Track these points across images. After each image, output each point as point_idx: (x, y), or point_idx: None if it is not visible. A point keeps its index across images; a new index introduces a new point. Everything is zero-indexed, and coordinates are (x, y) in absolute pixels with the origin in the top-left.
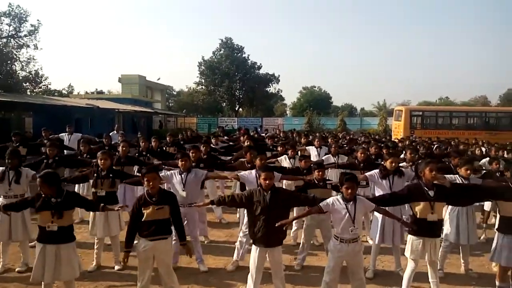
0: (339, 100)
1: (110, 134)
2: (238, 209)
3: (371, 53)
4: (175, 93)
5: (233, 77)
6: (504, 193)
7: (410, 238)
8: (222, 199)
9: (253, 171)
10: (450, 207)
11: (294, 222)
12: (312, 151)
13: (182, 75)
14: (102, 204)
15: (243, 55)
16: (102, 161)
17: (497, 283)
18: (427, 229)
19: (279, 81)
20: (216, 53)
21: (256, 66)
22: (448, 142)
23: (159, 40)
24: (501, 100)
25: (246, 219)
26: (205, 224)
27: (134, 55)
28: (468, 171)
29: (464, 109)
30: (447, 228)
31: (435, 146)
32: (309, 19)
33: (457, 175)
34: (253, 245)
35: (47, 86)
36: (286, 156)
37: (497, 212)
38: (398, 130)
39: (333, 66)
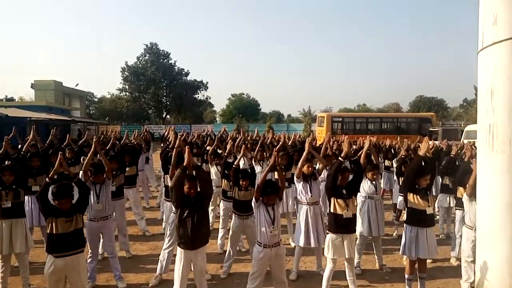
0: (267, 107)
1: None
2: (163, 220)
3: (299, 62)
4: (96, 99)
5: (160, 84)
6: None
7: (329, 237)
8: None
9: None
10: (360, 204)
11: (220, 228)
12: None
13: (104, 81)
14: None
15: (170, 61)
16: (6, 177)
17: (406, 276)
18: (344, 225)
19: (207, 88)
20: (140, 58)
21: (183, 72)
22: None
23: (79, 44)
24: (411, 107)
25: (169, 230)
26: (126, 238)
27: (50, 60)
28: (374, 176)
29: (378, 115)
30: (360, 224)
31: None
32: (238, 27)
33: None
34: (178, 254)
35: None
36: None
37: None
38: (321, 135)
39: (262, 74)
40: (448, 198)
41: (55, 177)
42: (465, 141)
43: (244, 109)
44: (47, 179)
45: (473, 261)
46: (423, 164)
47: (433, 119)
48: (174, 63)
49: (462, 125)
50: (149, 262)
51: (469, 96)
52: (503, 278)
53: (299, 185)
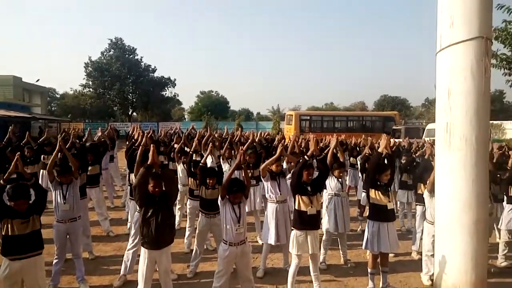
0: (236, 105)
1: None
2: (128, 220)
3: (268, 60)
4: (58, 96)
5: (125, 80)
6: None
7: (293, 234)
8: None
9: None
10: (326, 201)
11: (187, 227)
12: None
13: (67, 77)
14: None
15: (136, 57)
16: None
17: (369, 270)
18: (308, 221)
19: (175, 85)
20: (105, 54)
21: (150, 69)
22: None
23: (39, 39)
24: (376, 105)
25: (134, 230)
26: (89, 238)
27: (9, 55)
28: (340, 174)
29: (345, 113)
30: (326, 221)
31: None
32: (207, 26)
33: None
34: (142, 254)
35: None
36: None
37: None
38: (289, 133)
39: (231, 72)
40: (406, 194)
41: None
42: (426, 139)
43: (213, 107)
44: (1, 181)
45: (433, 255)
46: (384, 160)
47: (396, 117)
48: (141, 59)
49: (424, 123)
50: (113, 263)
51: (431, 95)
52: (459, 271)
53: (267, 184)
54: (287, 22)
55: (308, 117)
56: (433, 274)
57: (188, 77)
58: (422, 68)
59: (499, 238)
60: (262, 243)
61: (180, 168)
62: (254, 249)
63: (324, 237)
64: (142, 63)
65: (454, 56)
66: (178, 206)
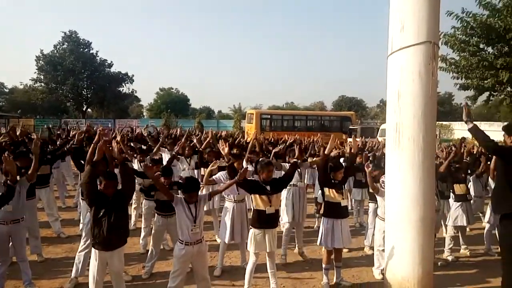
0: (197, 103)
1: None
2: (80, 221)
3: (230, 59)
4: (7, 90)
5: (79, 75)
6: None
7: (252, 232)
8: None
9: None
10: (285, 194)
11: (143, 228)
12: (165, 155)
13: (16, 70)
14: None
15: (91, 51)
16: None
17: (323, 265)
18: (267, 220)
19: (133, 80)
20: (58, 47)
21: (106, 64)
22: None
23: None
24: (334, 106)
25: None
26: (39, 240)
27: None
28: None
29: (304, 113)
30: (284, 213)
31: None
32: (168, 25)
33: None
34: (92, 255)
35: None
36: (136, 160)
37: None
38: (250, 131)
39: (192, 70)
40: (360, 192)
41: None
42: (379, 139)
43: (173, 104)
44: None
45: (384, 250)
46: (339, 159)
47: (353, 117)
48: (96, 53)
49: (378, 123)
50: (64, 265)
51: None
52: (407, 265)
53: (227, 181)
54: (251, 22)
55: (269, 116)
56: (384, 269)
57: (148, 74)
58: (378, 70)
59: (446, 233)
60: (220, 242)
61: (136, 166)
62: (212, 247)
63: (283, 234)
64: (98, 58)
65: (403, 59)
66: (134, 206)
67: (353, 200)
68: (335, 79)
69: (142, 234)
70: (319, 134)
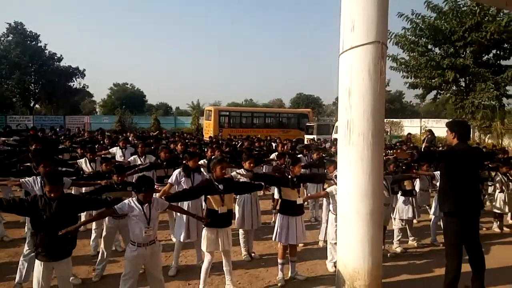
0: (154, 99)
1: None
2: (26, 224)
3: (189, 55)
4: None
5: (26, 69)
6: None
7: (205, 231)
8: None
9: (39, 178)
10: (237, 197)
11: (93, 229)
12: (117, 152)
13: None
14: None
15: (39, 44)
16: None
17: (279, 261)
18: (219, 220)
19: (84, 75)
20: (2, 39)
21: (55, 57)
22: (251, 139)
23: None
24: (292, 103)
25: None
26: None
27: None
28: (252, 165)
29: (263, 110)
30: (236, 217)
31: (240, 143)
32: (123, 18)
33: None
34: (37, 260)
35: None
36: (85, 159)
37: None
38: (208, 128)
39: (149, 65)
40: (315, 187)
41: None
42: (334, 135)
43: (128, 100)
44: None
45: (337, 243)
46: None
47: (309, 115)
48: (45, 47)
49: (334, 120)
50: (8, 271)
51: None
52: (358, 257)
53: (181, 180)
54: (208, 17)
55: (227, 113)
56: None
57: (101, 69)
58: (333, 69)
59: (394, 226)
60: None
61: (84, 166)
62: (167, 247)
63: (240, 236)
64: (47, 51)
65: (354, 58)
66: None
67: (309, 195)
68: (293, 77)
69: (93, 235)
70: (279, 131)
